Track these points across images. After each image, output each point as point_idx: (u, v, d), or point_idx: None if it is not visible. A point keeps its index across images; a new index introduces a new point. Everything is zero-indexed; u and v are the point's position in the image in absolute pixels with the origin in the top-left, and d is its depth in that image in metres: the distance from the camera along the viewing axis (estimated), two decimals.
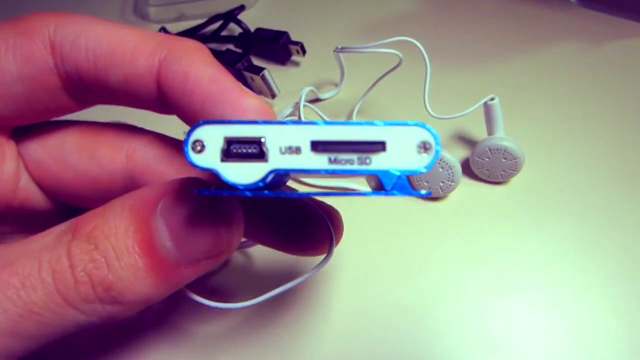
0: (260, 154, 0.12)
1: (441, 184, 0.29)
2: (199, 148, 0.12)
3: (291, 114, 0.35)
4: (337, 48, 0.33)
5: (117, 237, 0.13)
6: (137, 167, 0.18)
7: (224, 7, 0.44)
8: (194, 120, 0.16)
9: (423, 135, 0.12)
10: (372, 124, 0.12)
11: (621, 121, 0.33)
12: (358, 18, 0.44)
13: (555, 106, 0.35)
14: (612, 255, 0.27)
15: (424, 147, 0.12)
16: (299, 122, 0.12)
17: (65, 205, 0.19)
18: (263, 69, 0.34)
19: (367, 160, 0.12)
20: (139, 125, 0.19)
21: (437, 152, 0.12)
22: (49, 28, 0.15)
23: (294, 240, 0.20)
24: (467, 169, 0.31)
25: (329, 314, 0.25)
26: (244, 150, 0.12)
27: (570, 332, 0.24)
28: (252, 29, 0.41)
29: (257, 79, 0.35)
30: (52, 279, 0.13)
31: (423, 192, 0.12)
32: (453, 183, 0.29)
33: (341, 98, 0.37)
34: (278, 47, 0.39)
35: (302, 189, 0.31)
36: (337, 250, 0.27)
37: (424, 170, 0.12)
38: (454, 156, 0.28)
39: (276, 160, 0.12)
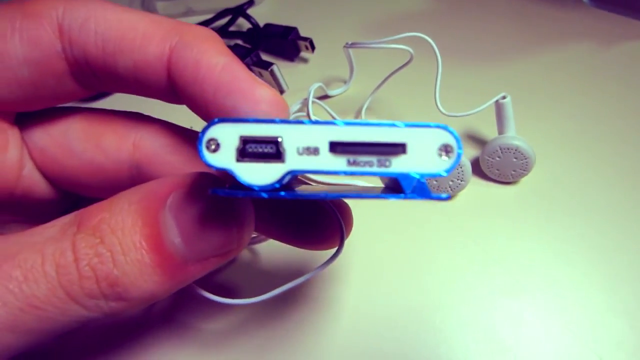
0: (277, 154, 0.12)
1: (450, 182, 0.28)
2: (213, 147, 0.12)
3: (299, 111, 0.34)
4: (347, 43, 0.32)
5: (124, 232, 0.13)
6: (144, 157, 0.17)
7: (232, 2, 0.44)
8: (204, 111, 0.15)
9: (445, 138, 0.12)
10: (393, 125, 0.12)
11: (634, 122, 0.33)
12: (368, 15, 0.44)
13: (566, 106, 0.34)
14: (623, 258, 0.26)
15: (445, 150, 0.12)
16: (317, 121, 0.12)
17: (70, 194, 0.19)
18: (272, 64, 0.34)
19: (387, 163, 0.12)
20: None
21: (458, 155, 0.12)
22: (57, 11, 0.15)
23: (304, 234, 0.19)
24: (477, 168, 0.30)
25: (336, 312, 0.25)
26: (261, 150, 0.12)
27: (579, 334, 0.24)
28: (261, 25, 0.41)
29: (265, 74, 0.35)
30: (56, 273, 0.12)
31: (444, 195, 0.12)
32: (462, 182, 0.28)
33: (350, 95, 0.37)
34: (287, 42, 0.39)
35: (315, 186, 0.30)
36: (345, 249, 0.26)
37: (445, 174, 0.12)
38: (465, 155, 0.28)
39: (293, 161, 0.12)
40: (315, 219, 0.19)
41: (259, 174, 0.12)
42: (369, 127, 0.12)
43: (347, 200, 0.18)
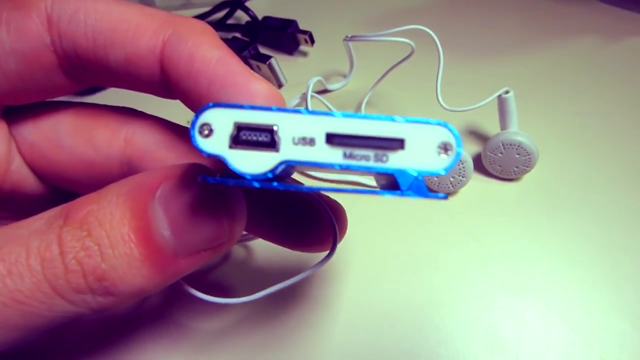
0: (271, 143, 0.11)
1: (451, 179, 0.28)
2: (206, 132, 0.11)
3: (298, 105, 0.34)
4: (346, 36, 0.32)
5: (112, 224, 0.12)
6: (136, 152, 0.17)
7: None
8: (199, 106, 0.15)
9: (444, 135, 0.11)
10: (392, 119, 0.11)
11: (639, 119, 0.32)
12: (368, 8, 0.43)
13: (571, 102, 0.34)
14: (627, 256, 0.26)
15: (445, 148, 0.11)
16: (315, 111, 0.11)
17: (60, 190, 0.18)
18: (270, 57, 0.34)
19: (384, 158, 0.11)
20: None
21: (457, 154, 0.11)
22: (46, 2, 0.14)
23: (295, 235, 0.19)
24: (479, 164, 0.30)
25: (334, 310, 0.25)
26: (255, 138, 0.11)
27: (582, 334, 0.23)
28: (260, 17, 0.40)
29: (263, 67, 0.34)
30: (41, 267, 0.12)
31: (440, 195, 0.11)
32: (464, 178, 0.28)
33: (350, 89, 0.36)
34: (286, 36, 0.39)
35: (308, 181, 0.30)
36: (343, 246, 0.26)
37: (443, 173, 0.11)
38: (466, 151, 0.27)
39: (288, 151, 0.11)
40: (308, 220, 0.19)
41: (251, 163, 0.11)
42: (367, 120, 0.11)
43: (341, 196, 0.17)
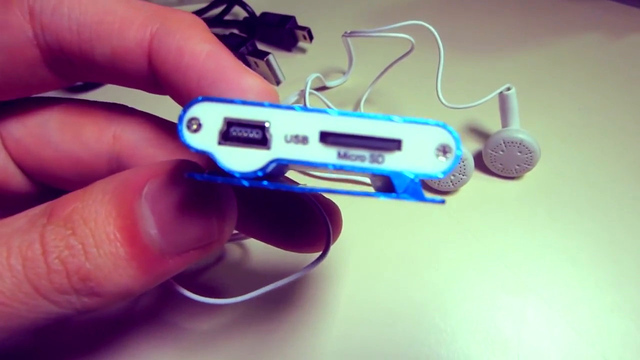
0: (262, 140, 0.11)
1: (452, 177, 0.27)
2: (194, 127, 0.11)
3: (296, 102, 0.33)
4: (345, 32, 0.31)
5: (97, 223, 0.12)
6: (125, 149, 0.16)
7: None
8: (188, 101, 0.15)
9: (444, 137, 0.11)
10: (389, 119, 0.11)
11: None
12: (368, 3, 0.43)
13: (573, 99, 0.33)
14: (629, 255, 0.26)
15: (443, 150, 0.11)
16: (309, 109, 0.11)
17: (48, 188, 0.18)
18: (268, 53, 0.33)
19: (380, 159, 0.11)
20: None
21: (457, 157, 0.11)
22: None
23: (288, 235, 0.18)
24: (480, 162, 0.29)
25: (332, 310, 0.24)
26: (245, 135, 0.11)
27: (584, 333, 0.23)
28: (258, 13, 0.40)
29: (261, 64, 0.34)
30: (22, 267, 0.12)
31: (437, 199, 0.11)
32: (464, 177, 0.27)
33: (349, 86, 0.36)
34: (284, 32, 0.38)
35: (302, 179, 0.30)
36: (341, 245, 0.26)
37: (441, 176, 0.11)
38: (467, 149, 0.27)
39: (279, 149, 0.11)
40: (301, 220, 0.18)
41: (241, 160, 0.11)
42: (363, 119, 0.11)
43: (336, 198, 0.17)
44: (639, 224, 0.27)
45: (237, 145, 0.11)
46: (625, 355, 0.23)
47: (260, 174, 0.11)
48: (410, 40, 0.29)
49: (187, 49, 0.14)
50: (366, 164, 0.11)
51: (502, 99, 0.28)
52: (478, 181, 0.29)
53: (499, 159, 0.28)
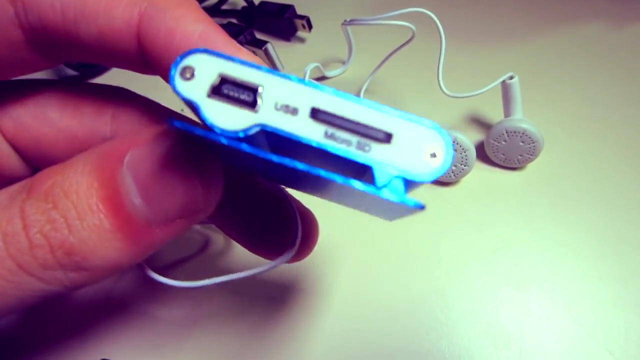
0: (252, 103, 0.11)
1: (454, 167, 0.27)
2: (187, 75, 0.11)
3: None
4: (345, 21, 0.31)
5: (79, 195, 0.12)
6: (122, 130, 0.16)
7: None
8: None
9: (436, 140, 0.11)
10: (384, 110, 0.11)
11: None
12: None
13: (576, 88, 0.33)
14: (633, 248, 0.25)
15: (434, 154, 0.11)
16: (305, 82, 0.11)
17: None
18: (266, 42, 0.33)
19: (367, 147, 0.11)
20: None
21: (446, 165, 0.11)
22: None
23: (258, 239, 0.18)
24: (482, 152, 0.29)
25: (332, 304, 0.24)
26: (236, 95, 0.11)
27: (588, 327, 0.23)
28: (256, 2, 0.39)
29: (259, 53, 0.33)
30: (3, 242, 0.11)
31: (419, 203, 0.10)
32: (466, 167, 0.27)
33: (349, 76, 0.35)
34: (283, 21, 0.37)
35: None
36: (341, 239, 0.25)
37: (427, 181, 0.10)
38: (468, 138, 0.26)
39: (267, 115, 0.11)
40: (274, 224, 0.18)
41: (226, 118, 0.11)
42: (358, 104, 0.11)
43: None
44: None
45: (226, 102, 0.11)
46: (629, 349, 0.22)
47: (241, 135, 0.10)
48: (411, 29, 0.28)
49: (179, 30, 0.13)
50: (351, 150, 0.11)
51: (505, 88, 0.28)
52: (480, 172, 0.29)
53: (501, 149, 0.28)
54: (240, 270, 0.17)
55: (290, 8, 0.38)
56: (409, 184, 0.11)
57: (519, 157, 0.28)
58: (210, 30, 0.14)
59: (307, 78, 0.30)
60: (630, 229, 0.26)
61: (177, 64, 0.11)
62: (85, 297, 0.24)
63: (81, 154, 0.13)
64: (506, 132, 0.27)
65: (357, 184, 0.10)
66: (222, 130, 0.11)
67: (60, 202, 0.12)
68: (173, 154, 0.12)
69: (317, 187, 0.13)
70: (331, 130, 0.11)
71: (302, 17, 0.37)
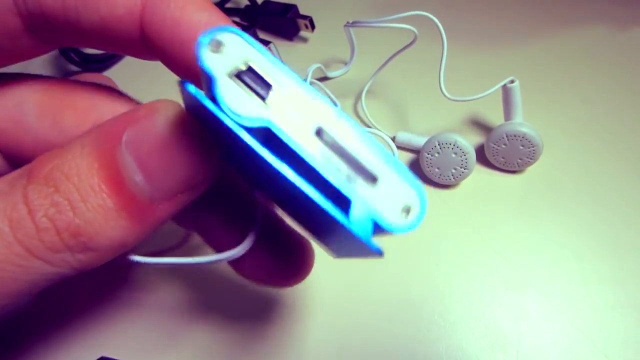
0: (265, 98, 0.11)
1: (453, 170, 0.27)
2: (215, 48, 0.11)
3: None
4: (347, 22, 0.31)
5: (80, 177, 0.12)
6: None
7: None
8: (183, 69, 0.14)
9: (413, 200, 0.11)
10: (381, 153, 0.11)
11: None
12: None
13: (577, 92, 0.33)
14: (632, 251, 0.25)
15: (407, 210, 0.11)
16: (322, 97, 0.11)
17: None
18: (269, 42, 0.33)
19: (353, 181, 0.11)
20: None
21: (417, 222, 0.11)
22: None
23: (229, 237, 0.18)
24: (482, 155, 0.29)
25: (328, 306, 0.24)
26: (253, 85, 0.11)
27: (585, 331, 0.23)
28: (259, 1, 0.39)
29: None
30: (10, 228, 0.11)
31: (374, 246, 0.11)
32: (466, 170, 0.27)
33: (350, 77, 0.35)
34: (285, 21, 0.37)
35: None
36: None
37: (394, 232, 0.11)
38: (469, 141, 0.26)
39: (276, 115, 0.11)
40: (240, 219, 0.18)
41: (238, 101, 0.11)
42: (362, 138, 0.11)
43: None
44: None
45: (242, 88, 0.11)
46: (627, 353, 0.22)
47: (246, 123, 0.11)
48: (413, 31, 0.28)
49: (184, 20, 0.13)
50: (339, 177, 0.11)
51: (506, 92, 0.28)
52: (479, 175, 0.29)
53: (501, 153, 0.28)
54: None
55: (293, 8, 0.38)
56: (377, 229, 0.11)
57: (519, 160, 0.28)
58: (215, 19, 0.14)
59: (309, 78, 0.30)
60: (629, 233, 0.26)
61: (211, 34, 0.11)
62: (73, 288, 0.24)
63: (79, 137, 0.13)
64: (506, 136, 0.27)
65: (331, 209, 0.10)
66: (231, 112, 0.11)
67: (62, 185, 0.12)
68: (172, 128, 0.12)
69: (289, 201, 0.14)
70: (328, 153, 0.11)
71: (304, 17, 0.37)
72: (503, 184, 0.28)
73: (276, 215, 0.19)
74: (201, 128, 0.13)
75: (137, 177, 0.12)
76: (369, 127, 0.31)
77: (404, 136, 0.30)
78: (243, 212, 0.18)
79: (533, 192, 0.28)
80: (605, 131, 0.30)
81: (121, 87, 0.19)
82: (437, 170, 0.27)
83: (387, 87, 0.34)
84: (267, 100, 0.11)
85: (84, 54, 0.35)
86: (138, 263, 0.15)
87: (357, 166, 0.11)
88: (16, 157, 0.16)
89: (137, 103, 0.17)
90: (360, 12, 0.40)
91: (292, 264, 0.18)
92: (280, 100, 0.11)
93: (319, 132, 0.11)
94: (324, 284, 0.25)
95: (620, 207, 0.27)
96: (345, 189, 0.11)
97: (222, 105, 0.11)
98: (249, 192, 0.17)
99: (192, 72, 0.14)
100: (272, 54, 0.33)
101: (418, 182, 0.11)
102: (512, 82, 0.28)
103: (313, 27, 0.37)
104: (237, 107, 0.11)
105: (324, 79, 0.35)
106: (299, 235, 0.19)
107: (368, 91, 0.33)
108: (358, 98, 0.33)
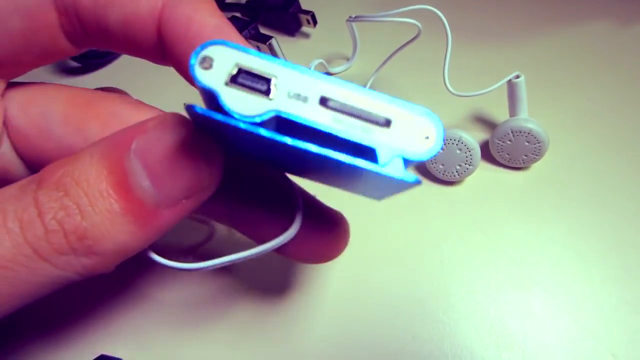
0: (266, 91, 0.12)
1: (458, 167, 0.27)
2: (207, 65, 0.11)
3: None
4: (350, 17, 0.30)
5: (89, 182, 0.12)
6: None
7: None
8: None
9: (429, 127, 0.12)
10: (384, 99, 0.12)
11: None
12: None
13: (583, 88, 0.32)
14: (637, 250, 0.25)
15: (427, 136, 0.12)
16: (315, 72, 0.12)
17: None
18: (271, 37, 0.32)
19: (370, 131, 0.12)
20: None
21: (437, 149, 0.12)
22: None
23: (264, 225, 0.18)
24: (487, 152, 0.29)
25: (332, 303, 0.24)
26: (252, 84, 0.12)
27: (591, 329, 0.23)
28: None
29: (263, 47, 0.33)
30: (20, 229, 0.12)
31: (412, 179, 0.11)
32: (471, 167, 0.27)
33: (353, 73, 0.35)
34: (287, 16, 0.37)
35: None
36: None
37: (424, 159, 0.12)
38: (473, 138, 0.26)
39: (281, 103, 0.12)
40: (279, 210, 0.18)
41: (243, 104, 0.11)
42: (362, 93, 0.12)
43: (347, 202, 0.17)
44: None
45: (243, 90, 0.11)
46: (633, 352, 0.22)
47: (258, 120, 0.11)
48: (417, 26, 0.28)
49: (196, 19, 0.14)
50: (357, 133, 0.12)
51: (511, 87, 0.27)
52: (484, 171, 0.28)
53: (506, 149, 0.28)
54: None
55: (295, 3, 0.37)
56: (407, 163, 0.12)
57: (524, 157, 0.27)
58: (224, 24, 0.15)
59: None
60: (636, 231, 0.26)
61: (197, 54, 0.11)
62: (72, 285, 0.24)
63: (88, 146, 0.13)
64: (511, 132, 0.27)
65: (362, 163, 0.11)
66: (240, 116, 0.11)
67: (71, 190, 0.12)
68: (179, 138, 0.13)
69: (320, 171, 0.14)
70: (338, 116, 0.12)
71: (307, 12, 0.37)
72: (508, 181, 0.28)
73: (307, 193, 0.19)
74: (208, 137, 0.13)
75: (144, 182, 0.13)
76: None
77: None
78: (276, 198, 0.18)
79: (538, 189, 0.28)
80: (611, 127, 0.30)
81: (118, 85, 0.19)
82: (441, 166, 0.27)
83: (390, 82, 0.33)
84: (270, 94, 0.11)
85: None
86: (196, 269, 0.16)
87: (368, 117, 0.12)
88: (38, 164, 0.16)
89: (159, 111, 0.17)
90: (363, 7, 0.40)
91: (331, 236, 0.19)
92: (280, 87, 0.12)
93: (323, 101, 0.12)
94: (328, 281, 0.24)
95: (626, 204, 0.27)
96: (366, 141, 0.12)
97: (232, 113, 0.11)
98: (279, 177, 0.18)
99: None
100: (274, 49, 0.32)
101: (426, 110, 0.12)
102: (517, 77, 0.27)
103: (315, 22, 0.37)
104: (245, 110, 0.11)
105: (326, 74, 0.35)
106: (331, 209, 0.19)
107: (371, 87, 0.32)
108: None
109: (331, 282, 0.24)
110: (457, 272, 0.25)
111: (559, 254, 0.25)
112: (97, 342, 0.23)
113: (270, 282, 0.24)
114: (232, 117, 0.11)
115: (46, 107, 0.16)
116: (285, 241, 0.17)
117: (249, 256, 0.16)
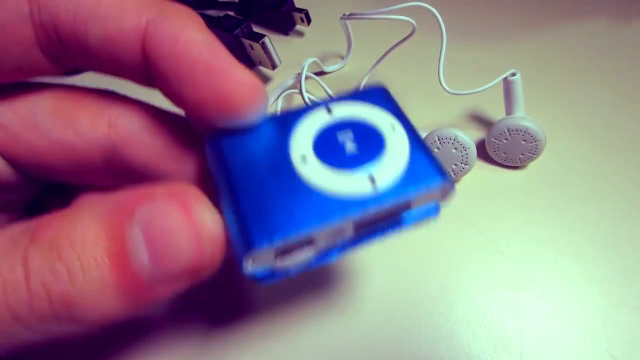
0: (309, 248, 0.13)
1: (454, 166, 0.26)
2: (252, 261, 0.12)
3: (292, 87, 0.32)
4: (344, 15, 0.30)
5: (85, 246, 0.11)
6: (121, 137, 0.15)
7: None
8: (177, 92, 0.14)
9: (441, 191, 0.15)
10: (406, 196, 0.13)
11: None
12: None
13: (580, 86, 0.32)
14: (637, 250, 0.25)
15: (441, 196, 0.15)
16: (348, 212, 0.13)
17: (36, 180, 0.17)
18: (264, 35, 0.32)
19: (399, 219, 0.15)
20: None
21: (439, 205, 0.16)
22: None
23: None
24: (483, 151, 0.28)
25: (325, 307, 0.23)
26: (296, 253, 0.13)
27: (590, 330, 0.22)
28: None
29: (256, 47, 0.32)
30: (2, 291, 0.11)
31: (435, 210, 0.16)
32: (466, 166, 0.26)
33: (347, 71, 0.35)
34: (281, 14, 0.37)
35: None
36: None
37: (436, 212, 0.15)
38: (469, 136, 0.26)
39: (322, 244, 0.13)
40: None
41: (293, 261, 0.13)
42: (387, 202, 0.13)
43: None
44: None
45: (290, 254, 0.13)
46: (633, 353, 0.22)
47: (311, 264, 0.13)
48: (411, 23, 0.27)
49: (183, 36, 0.13)
50: (387, 227, 0.14)
51: (507, 85, 0.27)
52: (480, 171, 0.28)
53: (502, 148, 0.27)
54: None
55: (288, 1, 0.37)
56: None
57: (521, 155, 0.27)
58: (212, 41, 0.14)
59: (304, 73, 0.29)
60: (634, 230, 0.25)
61: (242, 256, 0.12)
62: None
63: (89, 203, 0.12)
64: (508, 130, 0.26)
65: (403, 227, 0.15)
66: (297, 267, 0.13)
67: (64, 252, 0.11)
68: (188, 216, 0.12)
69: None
70: (372, 228, 0.14)
71: (300, 11, 0.36)
72: (504, 180, 0.28)
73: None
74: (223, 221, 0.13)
75: (142, 256, 0.12)
76: None
77: None
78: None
79: (535, 188, 0.27)
80: (609, 126, 0.30)
81: (112, 85, 0.19)
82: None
83: (385, 81, 0.33)
84: (314, 246, 0.13)
85: None
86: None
87: (393, 214, 0.14)
88: (26, 162, 0.16)
89: (152, 107, 0.16)
90: (357, 5, 0.39)
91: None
92: (319, 238, 0.13)
93: (356, 228, 0.14)
94: (323, 282, 0.24)
95: (624, 203, 0.26)
96: (396, 226, 0.15)
97: (290, 272, 0.13)
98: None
99: (186, 93, 0.14)
100: (267, 47, 0.32)
101: (439, 179, 0.14)
102: (513, 74, 0.27)
103: (309, 20, 0.36)
104: (298, 263, 0.13)
105: (320, 73, 0.34)
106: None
107: (365, 85, 0.32)
108: None
109: (326, 285, 0.24)
110: (454, 272, 0.24)
111: (557, 253, 0.25)
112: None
113: (262, 290, 0.24)
114: (289, 272, 0.13)
115: (34, 102, 0.15)
116: None
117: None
